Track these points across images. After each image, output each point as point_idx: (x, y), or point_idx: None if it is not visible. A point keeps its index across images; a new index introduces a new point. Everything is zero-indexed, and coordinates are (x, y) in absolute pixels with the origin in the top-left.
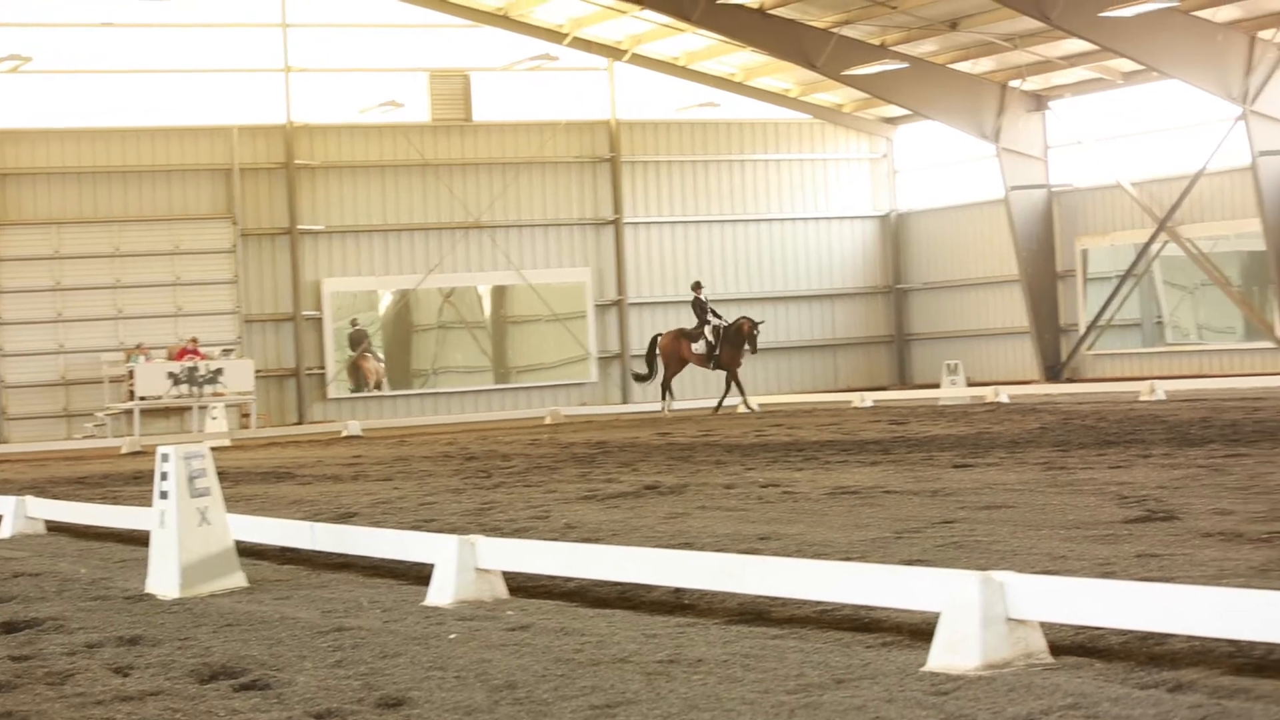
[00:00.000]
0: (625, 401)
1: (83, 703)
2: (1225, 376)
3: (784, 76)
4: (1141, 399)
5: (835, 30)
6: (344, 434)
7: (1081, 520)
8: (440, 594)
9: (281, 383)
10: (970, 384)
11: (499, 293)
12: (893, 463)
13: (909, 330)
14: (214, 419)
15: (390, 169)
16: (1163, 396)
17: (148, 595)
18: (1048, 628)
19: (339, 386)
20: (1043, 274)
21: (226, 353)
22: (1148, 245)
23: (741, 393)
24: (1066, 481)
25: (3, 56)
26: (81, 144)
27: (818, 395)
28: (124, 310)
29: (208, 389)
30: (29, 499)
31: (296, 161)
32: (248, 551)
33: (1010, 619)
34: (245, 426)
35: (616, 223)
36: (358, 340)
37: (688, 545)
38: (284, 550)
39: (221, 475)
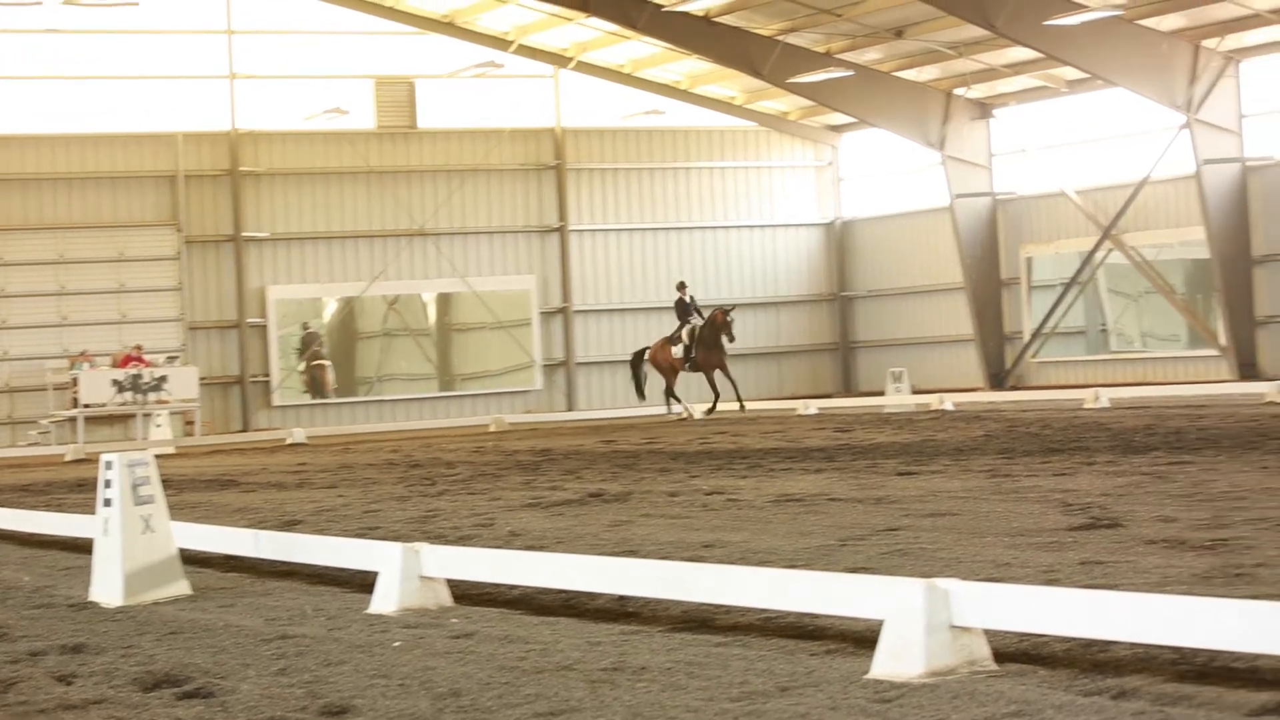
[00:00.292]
0: (570, 409)
1: (26, 711)
2: (1169, 384)
3: (729, 84)
4: (1086, 406)
5: (780, 38)
6: (288, 441)
7: (1025, 528)
8: (384, 602)
9: (226, 390)
10: (915, 391)
11: (444, 300)
12: (837, 470)
13: (854, 338)
14: (158, 426)
15: (335, 176)
16: (1107, 404)
17: (91, 603)
18: (992, 635)
19: (284, 394)
20: (987, 282)
21: (171, 360)
22: (1092, 253)
23: (734, 392)
24: (1011, 489)
25: None
26: (25, 150)
27: (762, 403)
28: (68, 317)
29: (152, 396)
30: None
31: (241, 168)
32: (191, 559)
33: (954, 626)
34: (189, 434)
35: (562, 230)
36: (309, 343)
37: (632, 553)
38: (228, 558)
39: (165, 483)
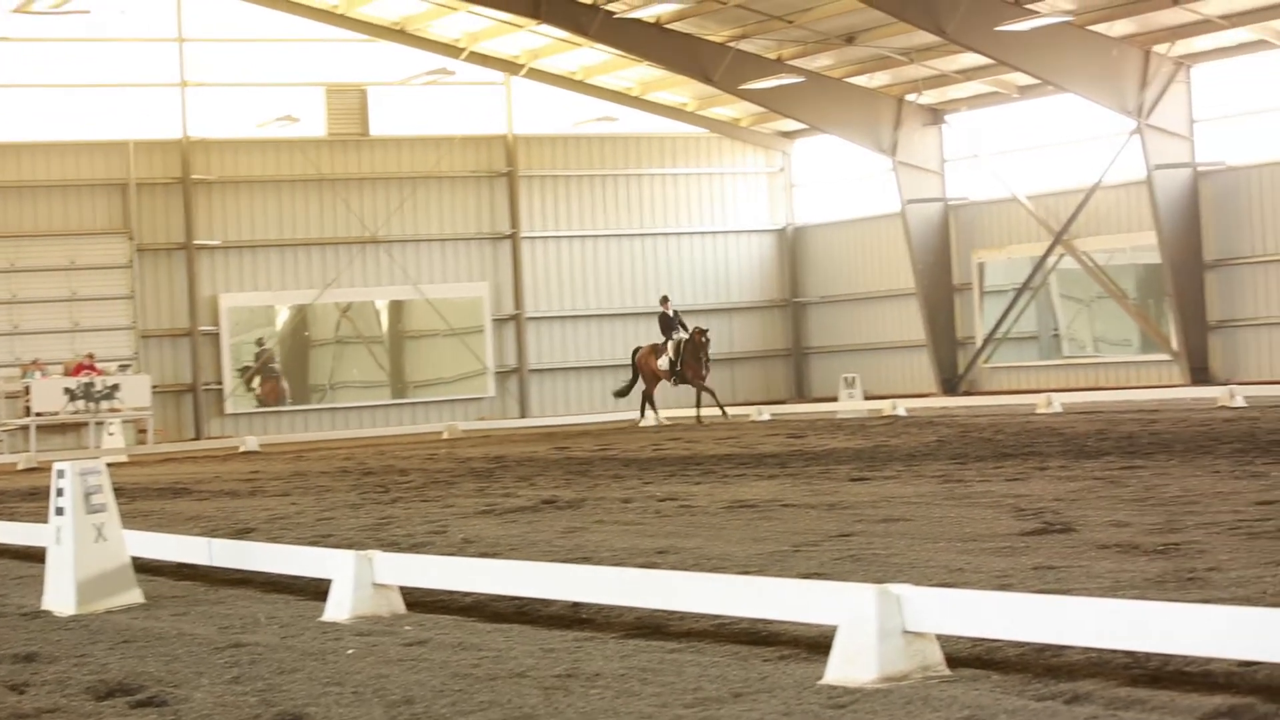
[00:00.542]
0: (523, 416)
1: None
2: (1121, 389)
3: (681, 91)
4: (1038, 411)
5: (732, 44)
6: (241, 449)
7: (978, 533)
8: (338, 609)
9: (179, 398)
10: (867, 397)
11: (396, 307)
12: (790, 476)
13: (806, 344)
14: (111, 435)
15: (287, 184)
16: (1059, 409)
17: (44, 612)
18: (945, 640)
19: (237, 401)
20: (939, 287)
21: (123, 368)
22: (1044, 258)
23: (716, 402)
24: (964, 494)
25: None
26: None
27: (716, 409)
28: (19, 326)
29: (104, 405)
30: None
31: (193, 176)
32: (144, 568)
33: (907, 631)
34: (142, 442)
35: (514, 237)
36: (263, 361)
37: (585, 559)
38: (181, 566)
39: (118, 491)
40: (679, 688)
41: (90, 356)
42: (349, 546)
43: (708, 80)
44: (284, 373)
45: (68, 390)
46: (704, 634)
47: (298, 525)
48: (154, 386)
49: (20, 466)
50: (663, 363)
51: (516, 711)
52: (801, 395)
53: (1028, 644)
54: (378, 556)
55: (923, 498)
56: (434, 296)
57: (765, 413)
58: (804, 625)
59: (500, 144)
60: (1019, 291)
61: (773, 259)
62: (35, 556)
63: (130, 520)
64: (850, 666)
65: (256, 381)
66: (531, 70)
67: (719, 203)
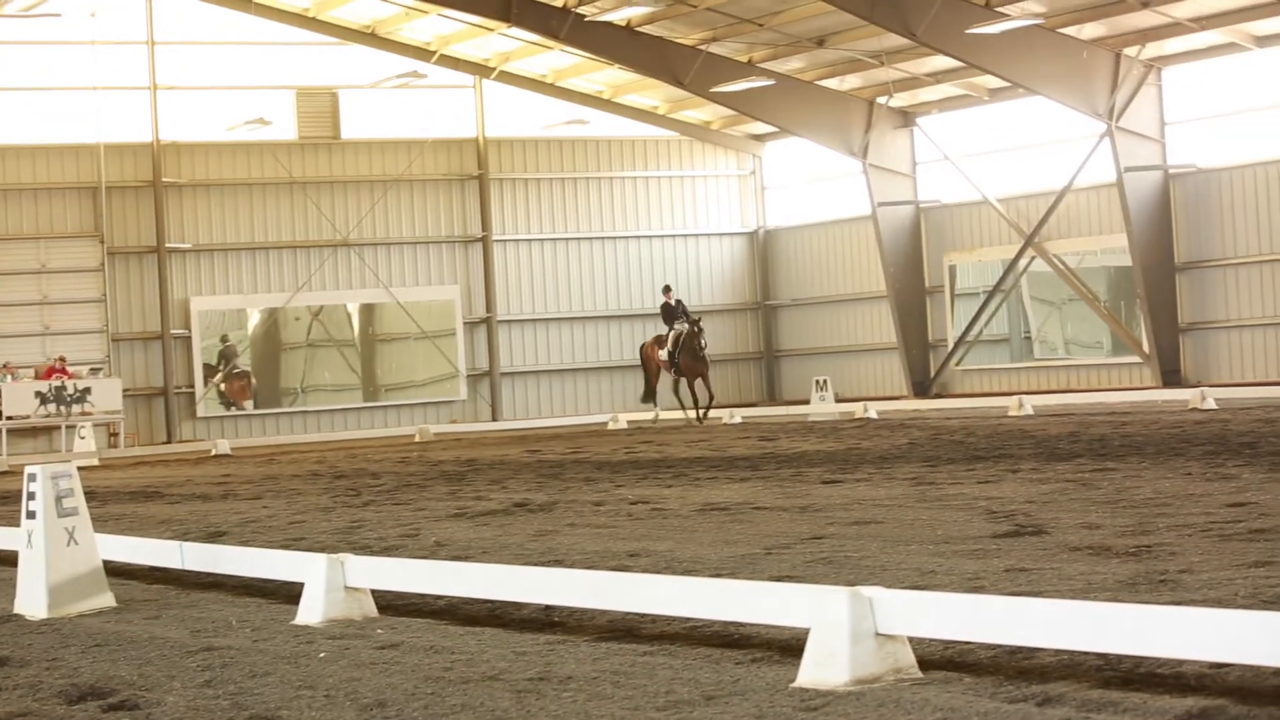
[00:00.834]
0: (495, 419)
1: None
2: (1093, 391)
3: (652, 94)
4: (1010, 414)
5: (702, 47)
6: (213, 453)
7: (950, 535)
8: (310, 613)
9: (150, 401)
10: (839, 400)
11: (367, 311)
12: (762, 479)
13: (778, 347)
14: (82, 438)
15: (258, 187)
16: (1031, 411)
17: (15, 616)
18: (917, 643)
19: (208, 405)
20: (911, 290)
21: (95, 372)
22: (1015, 261)
23: (709, 400)
24: (935, 497)
25: None
26: None
27: (681, 412)
28: None
29: (76, 408)
30: None
31: (164, 180)
32: (116, 571)
33: (879, 634)
34: (114, 446)
35: (485, 240)
36: (227, 357)
37: (557, 562)
38: (153, 570)
39: (90, 495)
40: (651, 690)
41: (61, 360)
42: (321, 550)
43: (678, 83)
44: (254, 371)
45: (39, 394)
46: (676, 637)
47: (269, 529)
48: (125, 390)
49: None
50: (663, 354)
51: (489, 714)
52: (773, 398)
53: (1000, 646)
54: (350, 560)
55: (894, 500)
56: (405, 299)
57: (737, 415)
58: (776, 628)
59: (471, 147)
60: (990, 294)
61: (744, 262)
62: (7, 560)
63: (102, 524)
64: (822, 669)
65: (219, 378)
66: (502, 73)
67: (690, 206)
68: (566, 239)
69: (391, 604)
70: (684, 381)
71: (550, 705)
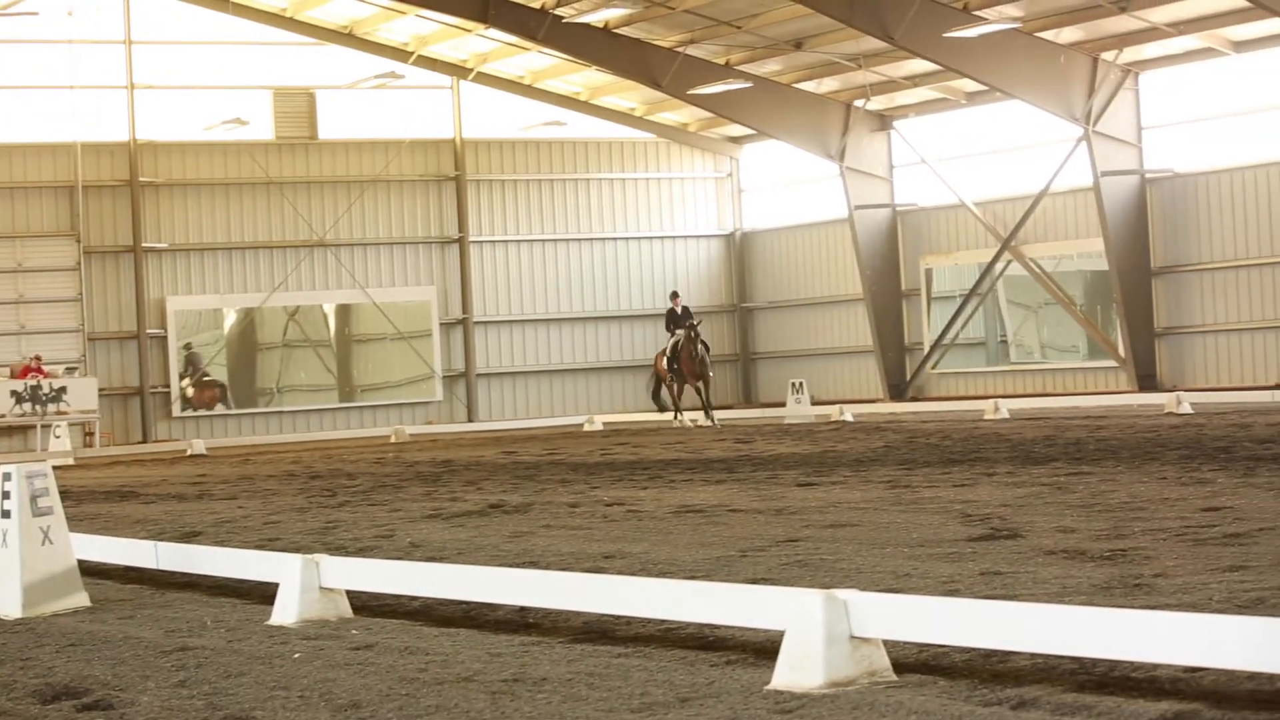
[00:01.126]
0: (471, 420)
1: None
2: (1068, 395)
3: (629, 96)
4: (985, 417)
5: (680, 50)
6: (188, 453)
7: (926, 538)
8: (284, 613)
9: (126, 401)
10: (815, 403)
11: (344, 311)
12: (738, 481)
13: (754, 349)
14: (57, 438)
15: (235, 187)
16: (1006, 415)
17: None
18: (892, 646)
19: (184, 405)
20: (887, 293)
21: (70, 371)
22: (991, 264)
23: (705, 405)
24: (911, 500)
25: None
26: None
27: (663, 414)
28: None
29: (51, 407)
30: None
31: (141, 179)
32: (91, 571)
33: (854, 637)
34: (89, 445)
35: (461, 241)
36: (193, 364)
37: (532, 564)
38: (128, 569)
39: (65, 494)
40: (625, 692)
41: (37, 359)
42: (296, 550)
43: (656, 85)
44: (230, 375)
45: (14, 393)
46: (651, 639)
47: (245, 529)
48: (101, 389)
49: None
50: (664, 362)
51: (463, 716)
52: (749, 400)
53: (974, 649)
54: (324, 560)
55: (870, 503)
56: (381, 300)
57: (700, 418)
58: (751, 630)
59: (448, 148)
60: (966, 297)
61: (721, 264)
62: None
63: (77, 523)
64: (797, 672)
65: (186, 384)
66: (480, 74)
67: (667, 208)
68: (543, 240)
69: (366, 605)
70: (688, 386)
71: (525, 707)
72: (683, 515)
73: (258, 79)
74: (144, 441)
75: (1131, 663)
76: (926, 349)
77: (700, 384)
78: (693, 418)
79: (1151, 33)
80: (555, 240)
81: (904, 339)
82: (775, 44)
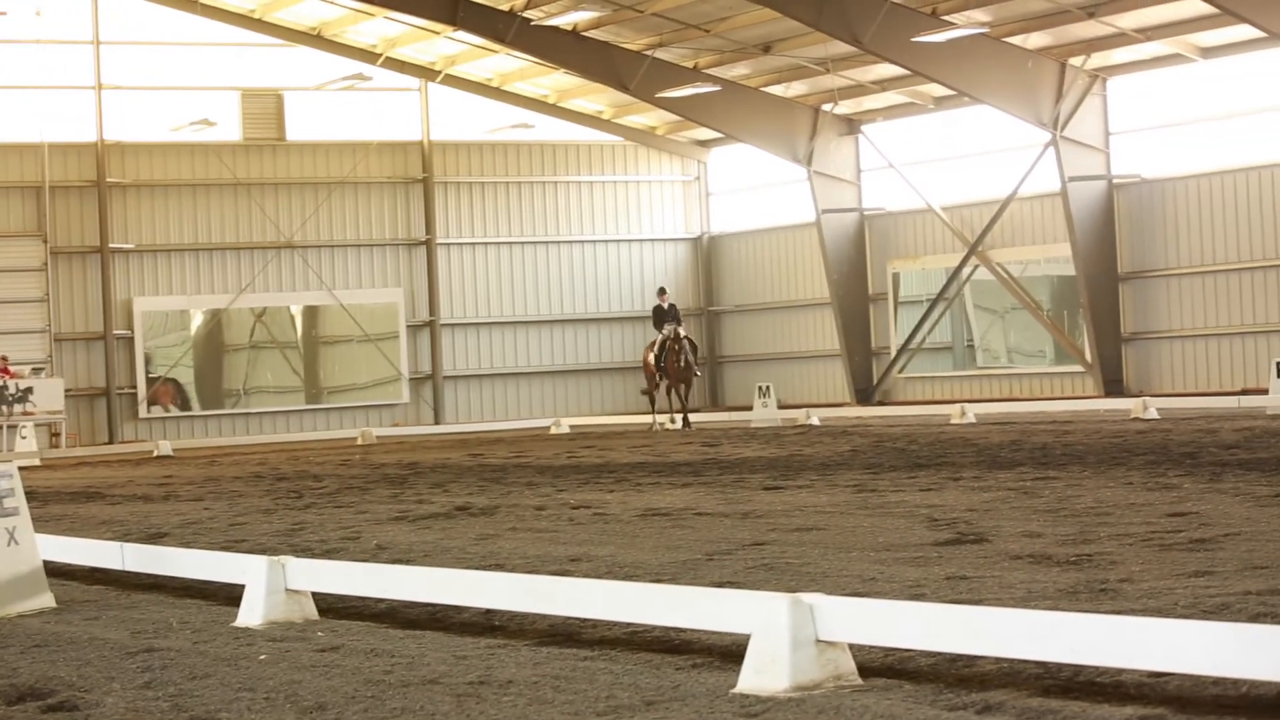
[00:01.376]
0: (437, 422)
1: None
2: (1035, 400)
3: (597, 98)
4: (952, 422)
5: (648, 53)
6: (155, 454)
7: (892, 542)
8: (250, 615)
9: (92, 402)
10: (782, 406)
11: (311, 313)
12: (704, 485)
13: (721, 352)
14: (23, 438)
15: (202, 188)
16: (973, 419)
17: None
18: (857, 649)
19: (150, 406)
20: (854, 297)
21: (36, 371)
22: (959, 269)
23: (682, 408)
24: (877, 504)
25: None
26: None
27: (630, 417)
28: None
29: (17, 408)
30: None
31: (108, 179)
32: (56, 572)
33: (820, 641)
34: (55, 446)
35: (429, 243)
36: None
37: (498, 566)
38: (93, 570)
39: (30, 495)
40: (591, 695)
41: (3, 359)
42: (262, 552)
43: (624, 88)
44: (197, 376)
45: None
46: (616, 642)
47: (210, 530)
48: (67, 390)
49: None
50: (652, 359)
51: (429, 718)
52: (716, 404)
53: (940, 654)
54: (290, 562)
55: (836, 507)
56: (349, 302)
57: (679, 420)
58: (717, 634)
59: (416, 150)
60: (934, 302)
61: (688, 267)
62: None
63: (42, 524)
64: (762, 676)
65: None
66: (448, 76)
67: (634, 211)
68: (510, 243)
69: (332, 606)
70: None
71: (490, 709)
72: (649, 518)
73: (226, 80)
74: (110, 442)
75: (1097, 667)
76: (893, 353)
77: (681, 386)
78: (663, 420)
79: (1119, 38)
80: (523, 243)
81: (871, 343)
82: (743, 48)
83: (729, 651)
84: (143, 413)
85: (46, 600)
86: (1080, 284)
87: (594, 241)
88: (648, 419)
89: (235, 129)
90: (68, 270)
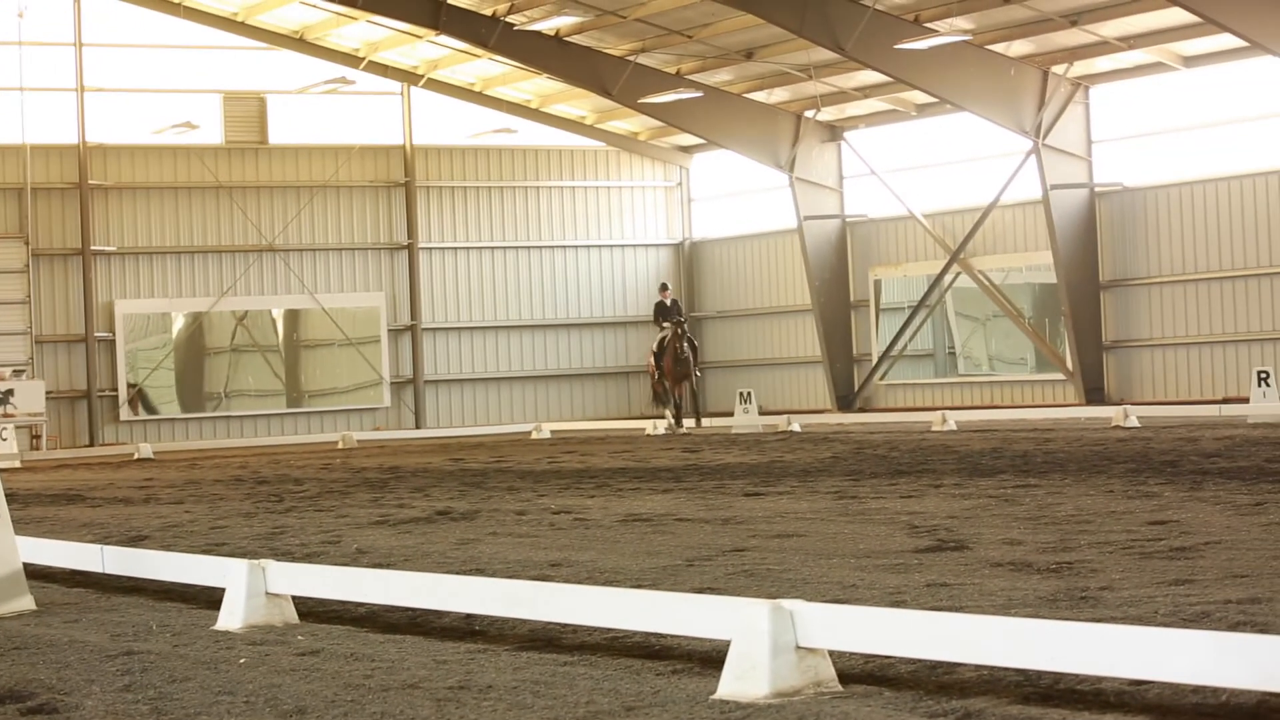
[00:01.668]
0: (419, 427)
1: None
2: (1016, 407)
3: (580, 104)
4: (933, 429)
5: (631, 58)
6: (136, 456)
7: (872, 549)
8: (230, 618)
9: (73, 404)
10: (763, 413)
11: (292, 316)
12: (685, 490)
13: (702, 358)
14: (4, 440)
15: (184, 191)
16: (954, 427)
17: None
18: (837, 656)
19: (131, 408)
20: (836, 304)
21: (17, 373)
22: (940, 276)
23: (688, 407)
24: (858, 511)
25: None
26: None
27: (611, 422)
28: None
29: None
30: None
31: (90, 182)
32: (36, 574)
33: (800, 647)
34: (36, 448)
35: (411, 247)
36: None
37: (479, 571)
38: (73, 573)
39: (11, 497)
40: (571, 701)
41: None
42: (242, 555)
43: (606, 94)
44: (178, 379)
45: None
46: (597, 647)
47: (191, 533)
48: (48, 392)
49: None
50: (653, 358)
51: None
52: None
53: (920, 661)
54: (271, 566)
55: (817, 514)
56: (330, 306)
57: (661, 426)
58: (697, 640)
59: (398, 154)
60: (915, 309)
61: (669, 273)
62: None
63: (23, 526)
64: (742, 682)
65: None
66: (430, 81)
67: (616, 216)
68: (492, 248)
69: (313, 610)
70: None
71: (470, 714)
72: (630, 524)
73: (208, 83)
74: (91, 445)
75: (1077, 675)
76: (875, 360)
77: (682, 385)
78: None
79: (1102, 47)
80: (504, 248)
81: (852, 350)
82: (726, 54)
83: (709, 657)
84: (124, 415)
85: (26, 603)
86: (1062, 292)
87: (576, 247)
88: (663, 422)
89: (217, 132)
90: (49, 272)
